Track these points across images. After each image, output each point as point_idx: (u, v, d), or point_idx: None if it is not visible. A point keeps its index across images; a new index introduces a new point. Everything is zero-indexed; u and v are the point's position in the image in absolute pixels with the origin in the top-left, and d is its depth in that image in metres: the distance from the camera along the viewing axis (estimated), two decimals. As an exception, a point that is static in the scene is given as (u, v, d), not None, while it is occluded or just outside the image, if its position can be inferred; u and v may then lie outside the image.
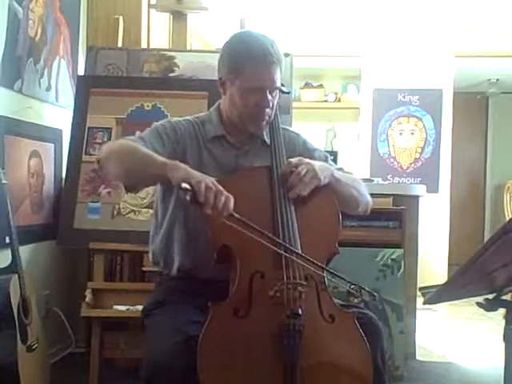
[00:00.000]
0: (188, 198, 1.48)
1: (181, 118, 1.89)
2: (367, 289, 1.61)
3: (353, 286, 1.61)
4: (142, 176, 1.68)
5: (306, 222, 1.70)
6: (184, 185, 1.48)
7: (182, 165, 1.58)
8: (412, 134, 5.70)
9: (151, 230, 1.91)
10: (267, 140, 1.88)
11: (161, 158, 1.63)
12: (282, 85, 1.88)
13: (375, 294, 1.63)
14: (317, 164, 1.74)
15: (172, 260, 1.83)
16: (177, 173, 1.55)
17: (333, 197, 1.79)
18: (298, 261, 1.59)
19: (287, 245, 1.61)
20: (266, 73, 1.74)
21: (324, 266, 1.64)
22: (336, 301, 1.67)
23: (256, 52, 1.73)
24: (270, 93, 1.76)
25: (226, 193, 1.52)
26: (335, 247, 1.73)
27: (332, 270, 1.63)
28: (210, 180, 1.52)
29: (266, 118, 1.79)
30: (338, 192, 1.79)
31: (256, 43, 1.75)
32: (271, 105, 1.78)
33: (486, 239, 5.99)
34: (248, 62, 1.73)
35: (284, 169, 1.73)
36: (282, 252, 1.58)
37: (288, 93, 2.07)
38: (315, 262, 1.60)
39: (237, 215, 1.53)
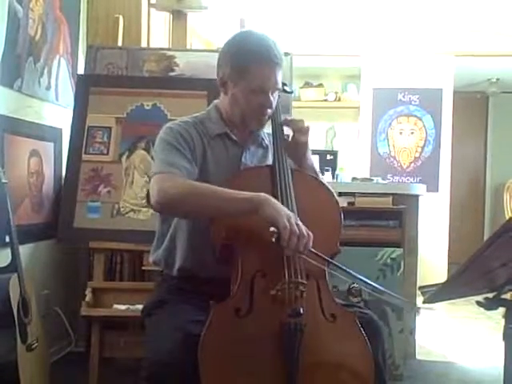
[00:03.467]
0: (274, 239, 1.54)
1: (178, 121, 1.85)
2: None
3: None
4: (227, 213, 1.65)
5: (308, 222, 1.70)
6: (272, 229, 1.55)
7: (268, 199, 1.59)
8: (412, 133, 5.70)
9: (158, 232, 1.91)
10: (265, 139, 1.92)
11: (242, 194, 1.61)
12: (285, 84, 1.90)
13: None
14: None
15: (173, 261, 1.83)
16: (267, 209, 1.56)
17: (334, 196, 1.80)
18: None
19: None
20: (271, 75, 1.76)
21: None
22: (337, 300, 1.68)
23: (261, 54, 1.74)
24: (271, 93, 1.78)
25: (307, 233, 1.56)
26: (337, 246, 1.74)
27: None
28: (295, 221, 1.55)
29: (267, 117, 1.83)
30: None
31: (260, 45, 1.76)
32: (273, 105, 1.81)
33: (485, 238, 5.99)
34: (253, 64, 1.74)
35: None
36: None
37: (291, 92, 2.10)
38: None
39: (314, 250, 1.59)
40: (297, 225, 1.55)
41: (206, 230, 1.68)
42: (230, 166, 1.82)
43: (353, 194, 3.17)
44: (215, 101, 1.93)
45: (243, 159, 1.86)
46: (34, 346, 2.39)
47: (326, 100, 6.09)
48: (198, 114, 1.92)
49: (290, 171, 1.77)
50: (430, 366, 3.43)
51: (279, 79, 1.78)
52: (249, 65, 1.74)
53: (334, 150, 5.64)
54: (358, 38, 5.55)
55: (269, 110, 1.80)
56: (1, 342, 2.25)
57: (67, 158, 3.06)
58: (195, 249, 1.79)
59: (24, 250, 2.71)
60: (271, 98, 1.78)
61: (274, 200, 1.59)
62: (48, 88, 3.17)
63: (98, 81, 3.18)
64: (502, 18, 5.23)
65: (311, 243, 1.57)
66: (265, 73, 1.75)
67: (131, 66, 3.31)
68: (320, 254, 1.60)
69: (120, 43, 3.49)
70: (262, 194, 1.60)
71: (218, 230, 1.65)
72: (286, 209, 1.59)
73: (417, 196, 3.44)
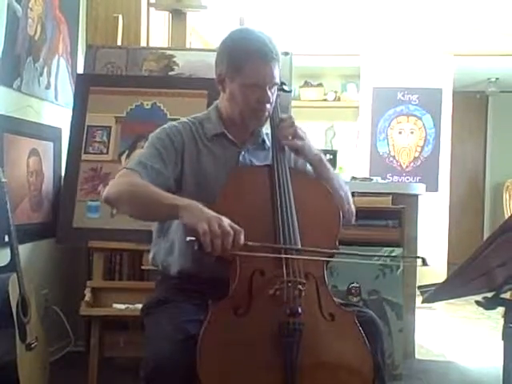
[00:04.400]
0: (196, 247, 1.51)
1: (176, 122, 1.88)
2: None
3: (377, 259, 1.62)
4: (154, 217, 1.76)
5: (306, 221, 1.70)
6: (189, 238, 1.52)
7: (192, 205, 1.57)
8: (411, 132, 5.70)
9: (155, 232, 1.91)
10: (267, 141, 1.90)
11: (170, 199, 1.62)
12: (284, 83, 1.90)
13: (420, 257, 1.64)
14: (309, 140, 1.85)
15: (172, 263, 1.83)
16: (185, 216, 1.56)
17: (332, 195, 1.80)
18: (298, 257, 1.59)
19: (293, 246, 1.61)
20: (267, 69, 1.76)
21: (325, 250, 1.65)
22: (336, 300, 1.67)
23: (256, 49, 1.75)
24: (269, 89, 1.78)
25: (232, 231, 1.50)
26: (335, 245, 1.74)
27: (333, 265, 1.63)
28: (217, 222, 1.50)
29: (266, 113, 1.82)
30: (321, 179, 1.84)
31: (255, 40, 1.77)
32: (271, 100, 1.80)
33: (485, 238, 5.99)
34: (248, 59, 1.74)
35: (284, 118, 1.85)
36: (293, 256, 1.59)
37: (290, 91, 2.10)
38: (322, 250, 1.62)
39: (250, 243, 1.54)
40: (219, 225, 1.50)
41: None
42: (227, 167, 1.82)
43: (352, 194, 3.16)
44: (216, 101, 1.93)
45: (241, 159, 1.86)
46: (33, 346, 2.39)
47: (325, 99, 6.09)
48: (198, 115, 1.93)
49: (288, 171, 1.77)
50: (429, 365, 3.43)
51: (276, 74, 1.78)
52: (244, 60, 1.75)
53: (334, 149, 5.63)
54: (357, 37, 5.55)
55: (267, 106, 1.80)
56: (0, 342, 2.25)
57: (66, 157, 3.06)
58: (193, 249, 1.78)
59: (23, 249, 2.71)
60: (269, 93, 1.78)
61: (195, 206, 1.56)
62: (47, 87, 3.16)
63: (98, 80, 3.18)
64: (502, 17, 5.23)
65: (242, 237, 1.52)
66: (260, 67, 1.75)
67: (131, 65, 3.32)
68: (256, 244, 1.54)
69: (119, 42, 3.49)
70: (187, 200, 1.60)
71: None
72: (208, 212, 1.54)
73: (416, 195, 3.44)
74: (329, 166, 1.89)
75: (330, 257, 1.71)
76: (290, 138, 1.81)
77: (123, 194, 1.71)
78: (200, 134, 1.86)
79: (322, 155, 1.88)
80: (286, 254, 1.60)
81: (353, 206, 1.92)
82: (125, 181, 1.73)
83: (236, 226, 1.52)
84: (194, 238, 1.51)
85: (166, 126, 1.88)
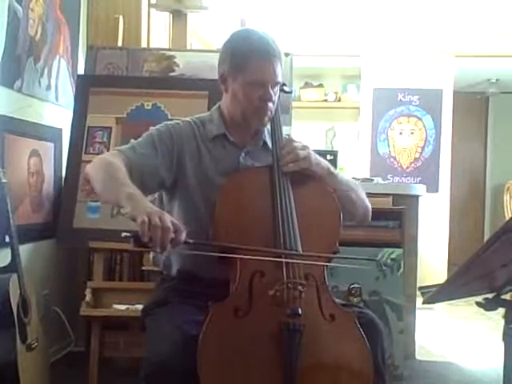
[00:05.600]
0: (131, 244, 1.47)
1: (179, 120, 1.89)
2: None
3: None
4: (108, 198, 1.74)
5: (306, 221, 1.70)
6: (124, 234, 1.47)
7: (137, 197, 1.55)
8: (412, 133, 5.70)
9: None
10: (268, 142, 1.90)
11: (124, 187, 1.59)
12: (285, 84, 1.90)
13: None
14: (313, 153, 1.82)
15: (172, 262, 1.84)
16: (126, 207, 1.52)
17: (333, 196, 1.79)
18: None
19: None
20: (269, 67, 1.77)
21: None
22: (336, 300, 1.68)
23: (258, 47, 1.76)
24: (271, 87, 1.78)
25: (172, 227, 1.47)
26: (335, 246, 1.74)
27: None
28: (158, 215, 1.47)
29: (268, 112, 1.81)
30: (333, 189, 1.81)
31: (257, 39, 1.78)
32: (273, 99, 1.80)
33: (485, 239, 5.99)
34: (251, 58, 1.76)
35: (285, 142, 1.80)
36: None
37: (290, 92, 2.10)
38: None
39: (191, 241, 1.52)
40: (160, 218, 1.46)
41: (203, 230, 1.68)
42: (228, 167, 1.82)
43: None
44: (219, 102, 1.93)
45: (242, 160, 1.86)
46: (33, 346, 2.39)
47: (326, 100, 6.10)
48: (201, 115, 1.94)
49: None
50: (429, 366, 3.43)
51: (278, 73, 1.79)
52: (247, 58, 1.76)
53: (334, 150, 5.63)
54: (357, 38, 5.55)
55: (269, 104, 1.80)
56: (1, 342, 2.25)
57: (67, 158, 3.06)
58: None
59: (24, 249, 2.71)
60: (271, 92, 1.78)
61: (141, 199, 1.55)
62: (48, 88, 3.17)
63: (98, 81, 3.18)
64: (502, 18, 5.23)
65: (183, 235, 1.50)
66: (263, 65, 1.76)
67: (131, 66, 3.32)
68: (197, 241, 1.53)
69: (120, 43, 3.49)
70: (138, 192, 1.58)
71: (217, 231, 1.65)
72: (151, 207, 1.53)
73: (417, 196, 3.44)
74: (338, 173, 1.88)
75: (328, 261, 1.70)
76: (292, 164, 1.76)
77: (97, 168, 1.72)
78: (202, 134, 1.86)
79: (330, 165, 1.85)
80: (284, 256, 1.60)
81: (369, 205, 1.92)
82: (105, 159, 1.75)
83: (178, 224, 1.50)
84: (128, 234, 1.46)
85: (168, 122, 1.89)
